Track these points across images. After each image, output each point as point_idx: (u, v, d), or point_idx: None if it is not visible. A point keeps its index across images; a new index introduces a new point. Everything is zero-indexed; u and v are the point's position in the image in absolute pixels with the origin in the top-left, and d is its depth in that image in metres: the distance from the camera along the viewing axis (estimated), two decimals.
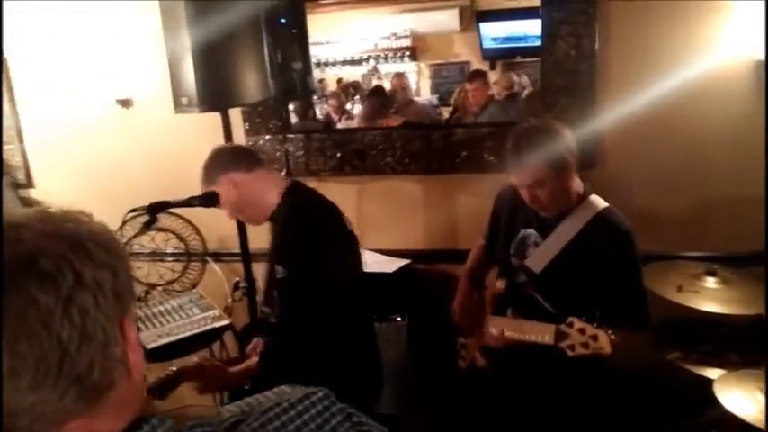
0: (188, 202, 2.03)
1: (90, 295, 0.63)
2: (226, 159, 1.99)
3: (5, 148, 3.17)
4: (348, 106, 4.68)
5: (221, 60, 2.19)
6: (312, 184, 2.14)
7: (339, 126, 4.20)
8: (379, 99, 4.15)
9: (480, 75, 4.02)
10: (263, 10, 2.39)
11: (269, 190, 1.98)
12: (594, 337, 1.72)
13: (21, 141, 3.18)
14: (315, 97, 3.92)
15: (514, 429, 2.07)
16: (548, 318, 1.89)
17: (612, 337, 1.71)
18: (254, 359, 2.06)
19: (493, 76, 4.36)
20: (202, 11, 2.12)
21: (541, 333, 1.85)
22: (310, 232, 1.87)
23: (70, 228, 0.67)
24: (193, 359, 2.36)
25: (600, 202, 1.99)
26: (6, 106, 3.11)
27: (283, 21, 2.60)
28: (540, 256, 2.04)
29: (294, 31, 2.66)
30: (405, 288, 2.65)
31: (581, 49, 2.42)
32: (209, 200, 1.95)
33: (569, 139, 1.93)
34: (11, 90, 3.12)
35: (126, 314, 0.69)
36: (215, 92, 2.19)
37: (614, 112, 2.43)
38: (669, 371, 2.12)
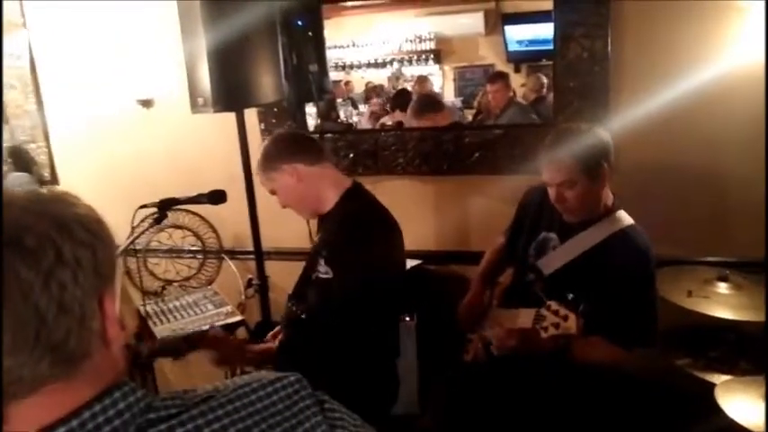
0: (196, 199, 2.06)
1: (69, 272, 0.67)
2: (292, 148, 1.95)
3: (32, 146, 3.28)
4: None
5: (236, 61, 2.21)
6: None
7: (374, 126, 4.22)
8: (428, 97, 4.16)
9: (501, 76, 4.00)
10: (279, 12, 2.42)
11: (329, 187, 1.95)
12: (565, 318, 1.73)
13: (47, 140, 3.28)
14: (339, 100, 3.95)
15: (520, 430, 2.07)
16: None
17: (581, 320, 1.71)
18: (274, 343, 2.07)
19: (519, 79, 4.34)
20: (218, 12, 2.15)
21: (526, 318, 1.87)
22: (365, 242, 1.84)
23: (56, 208, 0.71)
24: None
25: (626, 219, 1.97)
26: (34, 106, 3.22)
27: (300, 23, 2.62)
28: (552, 259, 2.05)
29: (310, 33, 2.67)
30: (415, 288, 2.65)
31: (594, 50, 2.40)
32: (216, 197, 1.98)
33: (608, 145, 1.92)
34: (38, 90, 3.22)
35: (105, 290, 0.72)
36: (229, 92, 2.22)
37: (628, 115, 2.40)
38: (677, 377, 2.09)
